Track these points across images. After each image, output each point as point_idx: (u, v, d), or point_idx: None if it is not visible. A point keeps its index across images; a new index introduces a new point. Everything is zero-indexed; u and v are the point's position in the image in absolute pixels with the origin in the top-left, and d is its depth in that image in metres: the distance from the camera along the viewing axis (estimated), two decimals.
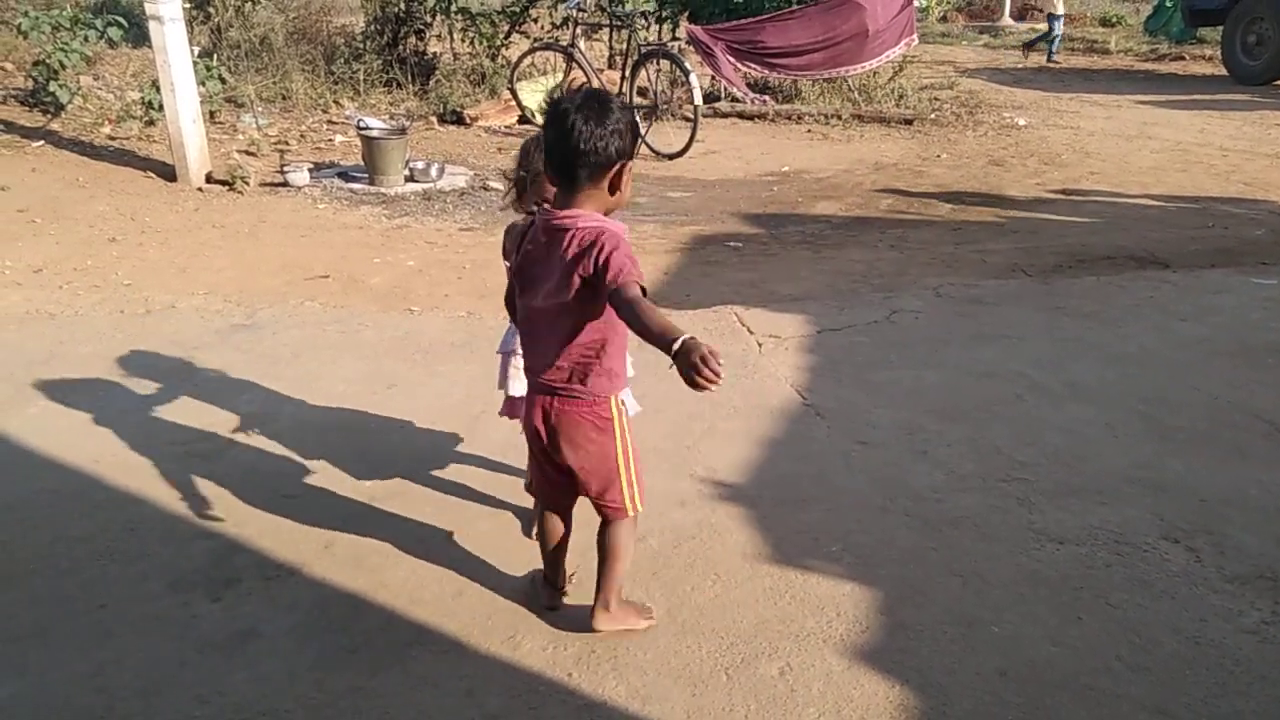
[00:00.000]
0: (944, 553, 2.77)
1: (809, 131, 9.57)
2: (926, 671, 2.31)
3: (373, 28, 10.45)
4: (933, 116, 9.98)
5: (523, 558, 2.73)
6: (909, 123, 9.74)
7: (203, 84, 7.83)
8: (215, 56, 8.92)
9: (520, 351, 2.44)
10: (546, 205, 2.22)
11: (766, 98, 10.20)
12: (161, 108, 6.92)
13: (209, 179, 6.89)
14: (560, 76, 9.29)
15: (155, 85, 7.06)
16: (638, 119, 8.44)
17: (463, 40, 10.72)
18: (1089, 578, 2.66)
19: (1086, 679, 2.28)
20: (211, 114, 8.31)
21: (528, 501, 3.03)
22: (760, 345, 4.27)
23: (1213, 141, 9.07)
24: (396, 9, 10.29)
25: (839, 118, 9.82)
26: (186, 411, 3.60)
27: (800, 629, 2.45)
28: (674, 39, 10.01)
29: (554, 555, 2.52)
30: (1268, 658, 2.35)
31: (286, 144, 8.21)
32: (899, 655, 2.37)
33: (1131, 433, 3.50)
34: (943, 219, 6.61)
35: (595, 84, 8.93)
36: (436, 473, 3.20)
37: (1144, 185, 7.44)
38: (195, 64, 7.27)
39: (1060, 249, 5.83)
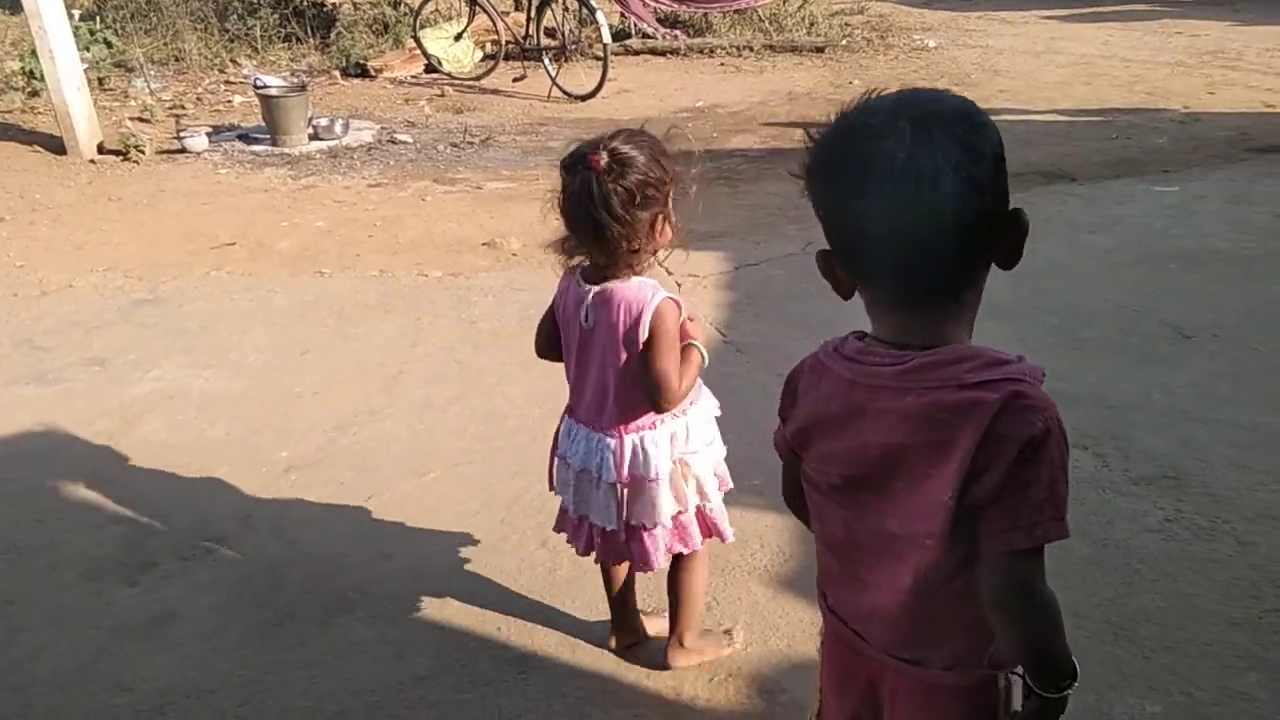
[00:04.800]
0: None
1: (722, 65, 9.48)
2: None
3: None
4: (844, 43, 9.94)
5: (445, 517, 2.71)
6: (820, 50, 9.69)
7: (86, 49, 7.46)
8: (99, 19, 8.50)
9: None
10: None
11: (678, 32, 10.05)
12: (43, 77, 6.57)
13: (101, 149, 6.58)
14: (465, 22, 9.04)
15: (35, 53, 6.69)
16: (548, 62, 8.33)
17: None
18: None
19: None
20: (100, 80, 7.93)
21: (451, 463, 3.01)
22: (679, 285, 4.25)
23: (1116, 53, 9.20)
24: None
25: (751, 49, 9.73)
26: (91, 393, 3.48)
27: (725, 563, 2.48)
28: None
29: None
30: (1170, 554, 2.44)
31: (182, 108, 7.88)
32: None
33: (1044, 346, 3.58)
34: None
35: (500, 27, 8.76)
36: (354, 437, 3.15)
37: (1051, 100, 7.53)
38: (77, 28, 6.92)
39: None
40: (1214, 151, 5.97)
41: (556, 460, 2.06)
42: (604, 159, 1.73)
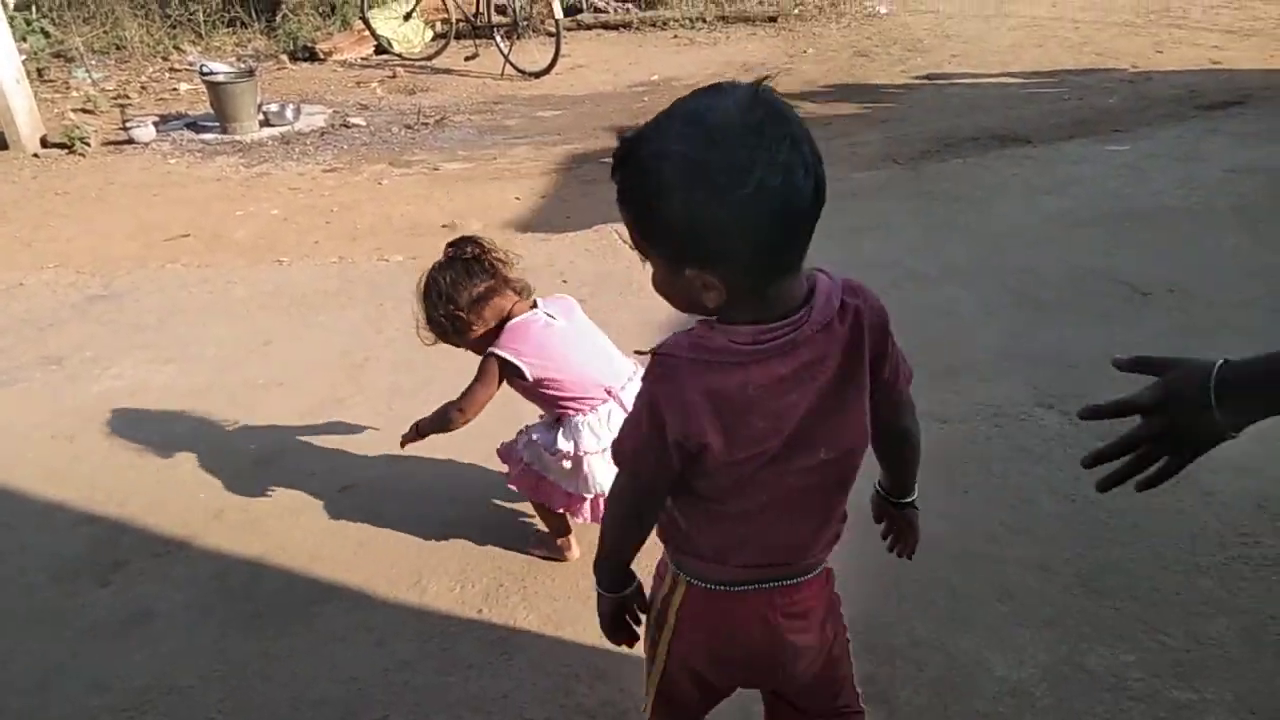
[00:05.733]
0: None
1: (675, 37, 9.44)
2: None
3: None
4: (796, 11, 9.92)
5: (420, 503, 2.70)
6: (773, 20, 9.68)
7: (24, 39, 7.26)
8: (34, 8, 8.26)
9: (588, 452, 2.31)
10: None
11: (629, 5, 9.99)
12: None
13: (44, 143, 6.42)
14: (413, 1, 8.90)
15: None
16: (500, 39, 8.23)
17: None
18: (972, 452, 2.77)
19: (975, 547, 2.39)
20: (39, 72, 7.74)
21: (422, 449, 2.98)
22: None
23: (1065, 15, 9.27)
24: None
25: (704, 20, 9.69)
26: (49, 393, 3.41)
27: None
28: None
29: None
30: (1137, 507, 2.48)
31: (127, 98, 7.70)
32: None
33: (1004, 308, 3.63)
34: (812, 115, 6.63)
35: (450, 4, 8.63)
36: (323, 427, 3.12)
37: (1004, 64, 7.59)
38: (12, 18, 6.72)
39: (928, 135, 5.93)
40: (1164, 110, 6.06)
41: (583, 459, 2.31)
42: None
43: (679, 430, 1.20)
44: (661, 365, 1.21)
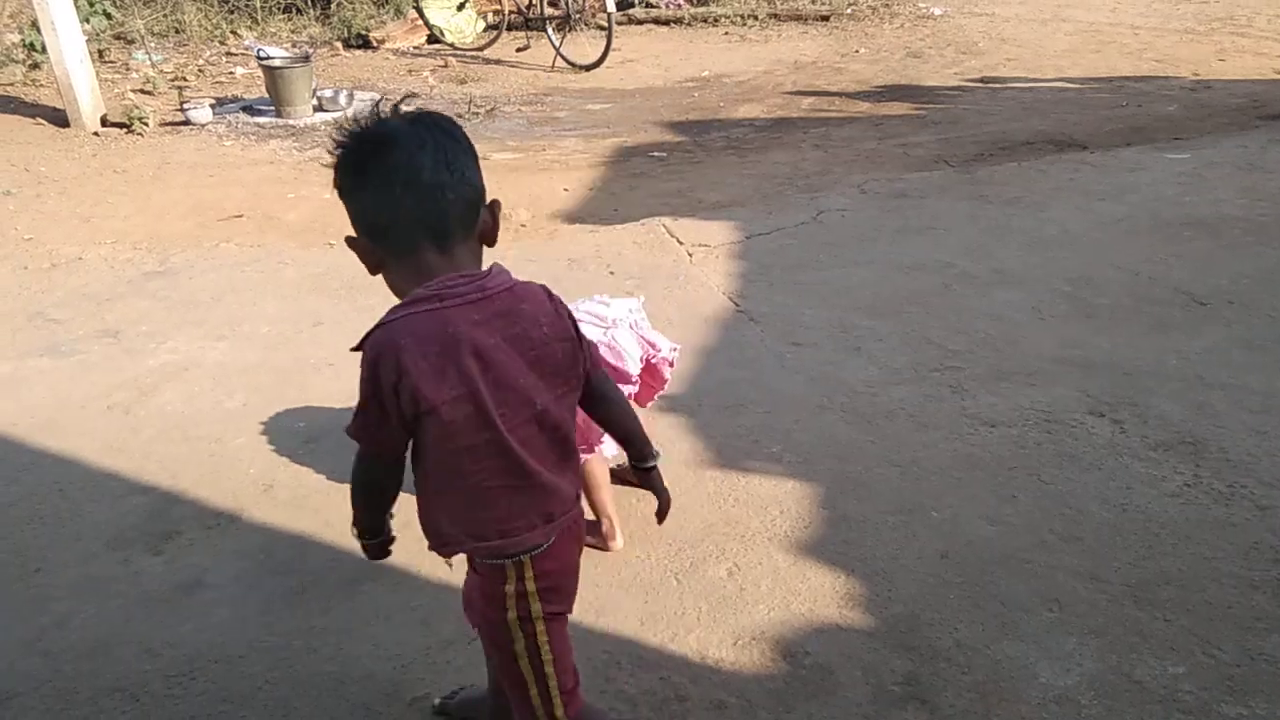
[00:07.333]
0: (881, 444, 2.83)
1: (726, 34, 9.41)
2: (870, 560, 2.37)
3: None
4: (849, 11, 9.86)
5: None
6: (825, 19, 9.63)
7: (87, 21, 7.39)
8: None
9: None
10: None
11: (681, 1, 9.97)
12: (45, 49, 6.52)
13: (104, 122, 6.55)
14: None
15: (35, 25, 6.64)
16: (552, 32, 8.26)
17: None
18: (1021, 457, 2.74)
19: (1023, 554, 2.37)
20: (100, 53, 7.89)
21: None
22: (690, 255, 4.24)
23: (1124, 20, 9.13)
24: None
25: (755, 18, 9.66)
26: (106, 365, 3.48)
27: (746, 530, 2.49)
28: None
29: None
30: (1190, 518, 2.45)
31: (184, 80, 7.82)
32: (843, 546, 2.43)
33: (1057, 314, 3.58)
34: (864, 115, 6.59)
35: None
36: None
37: (1060, 69, 7.48)
38: (76, 1, 6.84)
39: (981, 137, 5.86)
40: (1225, 119, 5.94)
41: None
42: None
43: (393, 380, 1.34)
44: (376, 329, 1.38)
